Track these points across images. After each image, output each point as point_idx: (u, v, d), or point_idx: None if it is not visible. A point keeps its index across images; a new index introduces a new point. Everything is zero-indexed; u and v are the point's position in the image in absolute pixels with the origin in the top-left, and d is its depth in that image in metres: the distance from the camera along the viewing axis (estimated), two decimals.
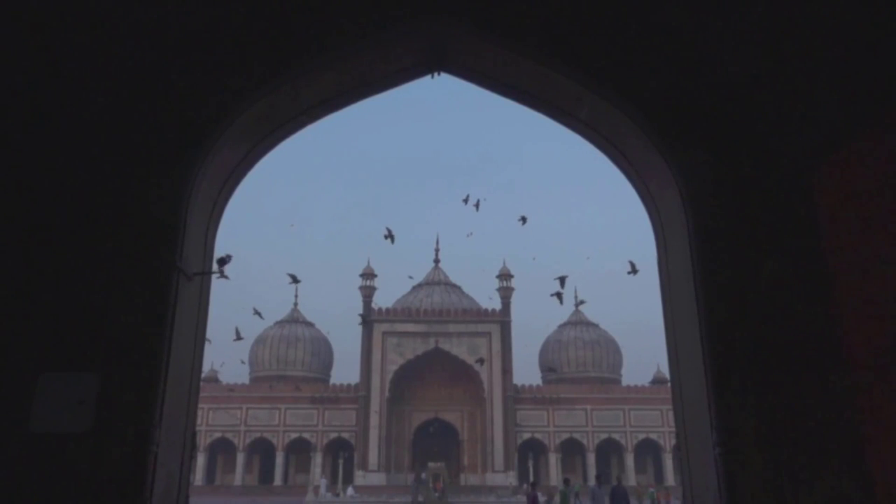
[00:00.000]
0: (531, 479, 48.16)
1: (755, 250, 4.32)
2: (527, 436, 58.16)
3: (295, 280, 41.76)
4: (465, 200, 41.37)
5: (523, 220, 37.77)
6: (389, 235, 40.01)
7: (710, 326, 4.19)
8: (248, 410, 58.66)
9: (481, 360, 54.92)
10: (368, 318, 58.52)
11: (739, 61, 4.71)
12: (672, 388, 4.92)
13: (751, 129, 4.56)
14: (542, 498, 30.02)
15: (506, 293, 60.56)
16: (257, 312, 41.27)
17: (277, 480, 57.70)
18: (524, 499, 33.14)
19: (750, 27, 4.76)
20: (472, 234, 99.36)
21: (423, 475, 43.11)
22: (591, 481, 37.68)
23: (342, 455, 55.47)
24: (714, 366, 4.11)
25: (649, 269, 5.36)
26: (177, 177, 4.36)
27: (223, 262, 4.96)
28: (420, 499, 39.32)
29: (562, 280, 32.13)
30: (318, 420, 58.72)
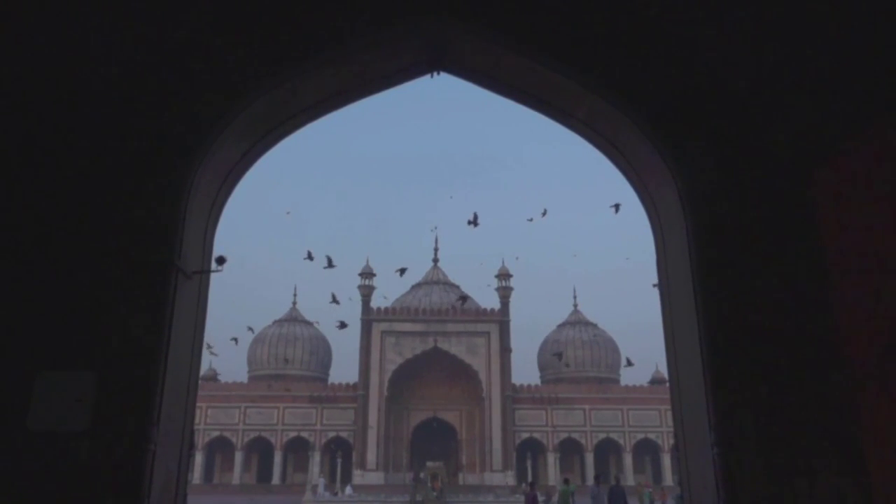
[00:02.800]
0: (529, 478, 48.15)
1: (754, 249, 4.32)
2: (525, 435, 58.15)
3: (310, 257, 39.66)
4: (536, 217, 40.47)
5: (535, 217, 35.93)
6: (474, 221, 37.08)
7: (708, 326, 4.19)
8: (246, 409, 58.64)
9: (559, 355, 53.73)
10: (368, 318, 58.52)
11: (739, 61, 4.71)
12: (671, 387, 4.92)
13: (750, 129, 4.56)
14: (540, 497, 30.01)
15: (504, 293, 60.53)
16: (335, 300, 40.65)
17: (275, 479, 57.65)
18: (522, 498, 33.13)
19: (749, 27, 4.76)
20: (436, 227, 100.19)
21: (422, 474, 43.11)
22: (590, 481, 37.68)
23: (340, 454, 55.45)
24: (713, 366, 4.12)
25: (648, 268, 5.36)
26: (176, 175, 4.35)
27: (221, 260, 4.95)
28: (418, 498, 39.29)
29: None
30: (316, 419, 58.69)
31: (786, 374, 4.06)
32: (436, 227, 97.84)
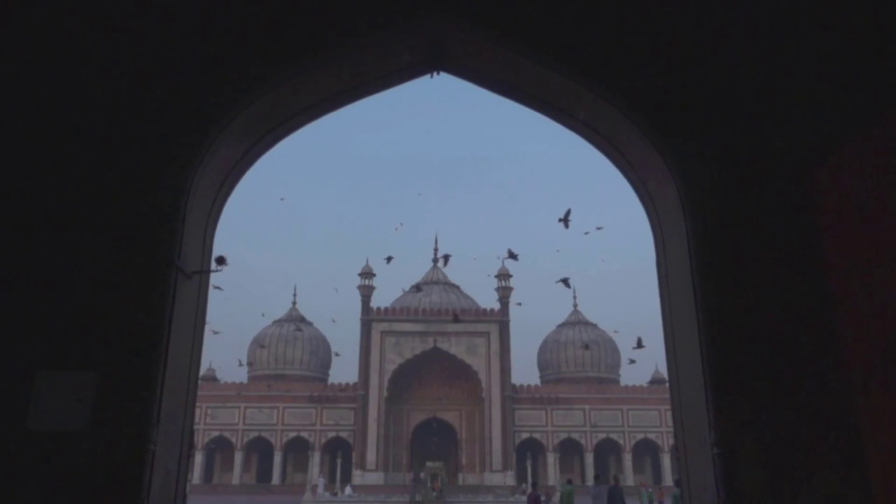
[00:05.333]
0: (529, 479, 48.19)
1: (754, 250, 4.32)
2: (525, 435, 58.19)
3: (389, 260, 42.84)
4: (591, 231, 39.88)
5: (565, 222, 33.93)
6: (565, 219, 35.25)
7: (708, 326, 4.19)
8: (246, 409, 58.65)
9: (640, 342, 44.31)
10: (368, 319, 58.51)
11: (738, 60, 4.71)
12: (670, 388, 4.91)
13: (750, 129, 4.56)
14: (541, 498, 29.99)
15: (504, 293, 60.55)
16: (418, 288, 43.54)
17: (275, 479, 57.69)
18: (523, 498, 33.14)
19: (749, 26, 4.76)
20: (401, 225, 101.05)
21: (422, 475, 43.18)
22: (590, 481, 37.71)
23: (340, 454, 55.44)
24: (712, 366, 4.11)
25: (648, 268, 5.36)
26: (176, 174, 4.35)
27: (221, 261, 4.95)
28: (418, 498, 39.31)
29: None
30: (316, 419, 58.73)
31: (786, 373, 4.06)
32: (401, 224, 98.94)
